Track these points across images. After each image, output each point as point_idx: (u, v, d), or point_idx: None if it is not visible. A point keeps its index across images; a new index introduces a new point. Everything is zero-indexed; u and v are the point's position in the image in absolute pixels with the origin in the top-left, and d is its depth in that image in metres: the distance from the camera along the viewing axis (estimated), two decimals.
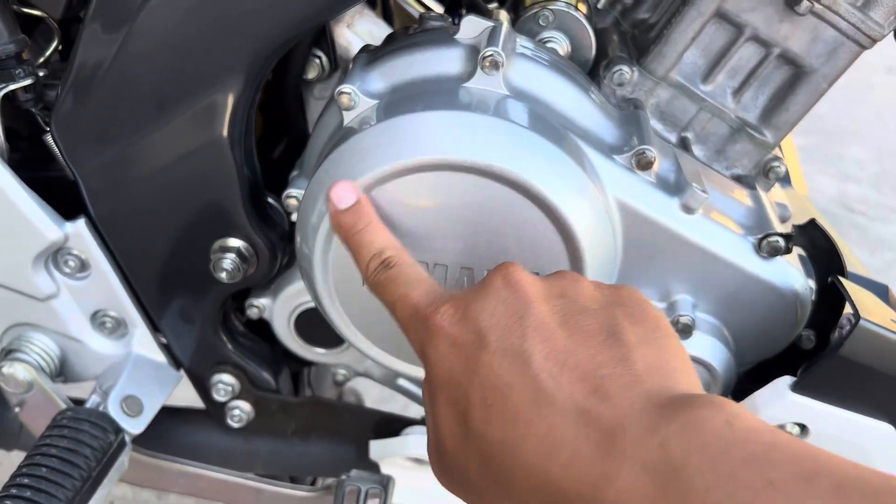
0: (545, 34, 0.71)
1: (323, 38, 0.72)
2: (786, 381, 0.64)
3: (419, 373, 0.67)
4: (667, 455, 0.35)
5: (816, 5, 0.65)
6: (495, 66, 0.59)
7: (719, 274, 0.65)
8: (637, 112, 0.68)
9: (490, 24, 0.63)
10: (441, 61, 0.62)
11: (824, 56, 0.68)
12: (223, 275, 0.69)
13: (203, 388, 0.80)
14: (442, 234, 0.59)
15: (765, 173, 0.74)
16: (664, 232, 0.63)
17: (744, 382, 0.72)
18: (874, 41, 0.67)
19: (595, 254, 0.60)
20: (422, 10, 0.94)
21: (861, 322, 0.60)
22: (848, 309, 0.65)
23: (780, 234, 0.65)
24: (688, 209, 0.63)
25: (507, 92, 0.61)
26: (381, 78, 0.64)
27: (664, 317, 0.45)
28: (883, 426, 0.66)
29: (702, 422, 0.35)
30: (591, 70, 0.74)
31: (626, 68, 0.70)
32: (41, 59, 0.69)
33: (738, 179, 0.73)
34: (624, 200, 0.62)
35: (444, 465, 0.46)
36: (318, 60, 0.73)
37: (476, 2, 0.82)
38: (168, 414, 0.83)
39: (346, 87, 0.62)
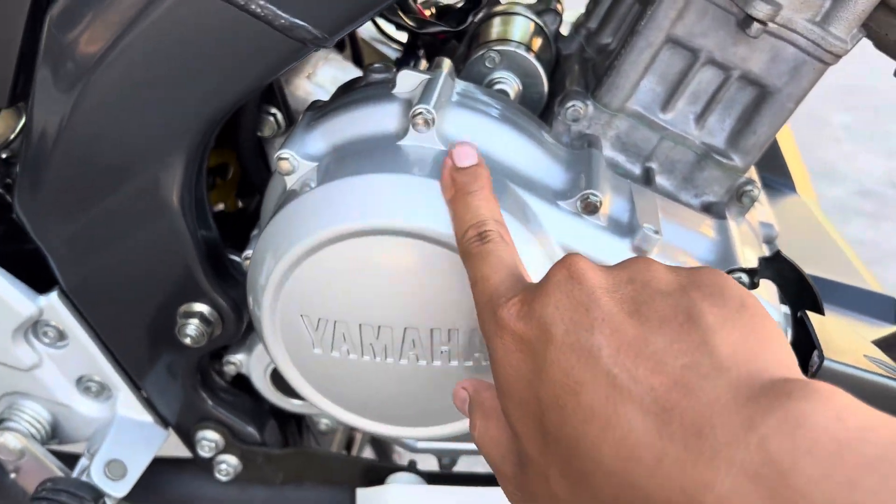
0: (494, 75, 0.70)
1: (273, 94, 0.72)
2: None
3: (380, 430, 0.67)
4: (770, 458, 0.30)
5: (771, 25, 0.62)
6: (426, 122, 0.58)
7: None
8: (589, 151, 0.65)
9: (425, 76, 0.62)
10: (378, 118, 0.61)
11: (787, 75, 0.65)
12: (187, 340, 0.69)
13: (191, 443, 0.81)
14: (389, 297, 0.58)
15: (738, 198, 0.71)
16: None
17: None
18: (838, 57, 0.63)
19: None
20: (396, 46, 0.94)
21: (825, 363, 0.56)
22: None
23: (744, 270, 0.62)
24: (640, 251, 0.61)
25: (444, 147, 0.59)
26: (322, 138, 0.63)
27: (752, 295, 0.39)
28: None
29: (807, 416, 0.31)
30: (549, 104, 0.72)
31: (579, 103, 0.68)
32: (3, 141, 0.71)
33: (709, 208, 0.70)
34: (571, 248, 0.60)
35: (526, 475, 0.42)
36: (271, 118, 0.73)
37: (433, 41, 0.81)
38: (164, 465, 0.85)
39: (283, 153, 0.61)
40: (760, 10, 0.60)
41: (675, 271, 0.41)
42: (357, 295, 0.59)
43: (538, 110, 0.72)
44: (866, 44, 0.65)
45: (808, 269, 0.90)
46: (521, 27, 0.74)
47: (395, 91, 0.63)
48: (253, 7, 0.55)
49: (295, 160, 0.61)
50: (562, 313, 0.40)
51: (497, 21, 0.75)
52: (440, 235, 0.55)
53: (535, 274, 0.57)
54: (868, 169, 2.59)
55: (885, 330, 0.82)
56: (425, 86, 0.61)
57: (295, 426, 0.88)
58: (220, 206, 0.91)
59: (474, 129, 0.61)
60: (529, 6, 0.77)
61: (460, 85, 0.65)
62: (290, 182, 0.63)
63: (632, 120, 0.69)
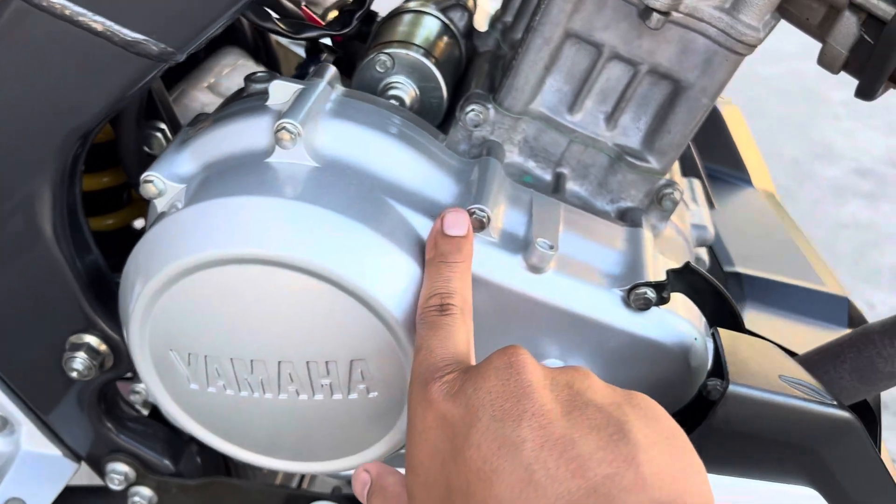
0: (388, 80, 0.65)
1: (157, 109, 0.67)
2: None
3: (275, 466, 0.62)
4: None
5: (676, 14, 0.57)
6: (291, 137, 0.53)
7: (586, 334, 0.58)
8: (485, 160, 0.60)
9: (299, 86, 0.57)
10: (249, 134, 0.57)
11: (698, 68, 0.60)
12: (74, 374, 0.66)
13: (103, 476, 0.77)
14: (257, 330, 0.54)
15: (658, 202, 0.66)
16: (511, 295, 0.56)
17: None
18: (751, 46, 0.58)
19: None
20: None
21: (731, 388, 0.51)
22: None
23: (651, 284, 0.57)
24: (534, 268, 0.56)
25: (316, 163, 0.55)
26: (193, 157, 0.59)
27: (682, 431, 0.40)
28: (804, 492, 0.57)
29: None
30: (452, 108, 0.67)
31: (478, 107, 0.63)
32: None
33: (624, 214, 0.65)
34: None
35: None
36: (158, 134, 0.68)
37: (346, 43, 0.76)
38: (81, 495, 0.82)
39: (147, 174, 0.57)
40: (658, 0, 0.54)
41: (613, 388, 0.41)
42: (224, 327, 0.54)
43: (439, 116, 0.67)
44: None
45: (759, 268, 0.85)
46: (423, 26, 0.69)
47: (268, 103, 0.58)
48: (91, 24, 0.50)
49: (161, 182, 0.57)
50: (493, 398, 0.39)
51: (398, 20, 0.70)
52: (304, 263, 0.51)
53: (414, 298, 0.53)
54: (867, 147, 2.51)
55: (837, 334, 0.76)
56: (296, 97, 0.56)
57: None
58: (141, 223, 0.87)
59: (349, 141, 0.56)
60: (437, 2, 0.72)
61: (341, 93, 0.60)
62: (160, 205, 0.58)
63: (538, 123, 0.64)
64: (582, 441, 0.36)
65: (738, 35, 0.57)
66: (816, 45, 0.58)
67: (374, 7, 0.79)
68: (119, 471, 0.75)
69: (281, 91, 0.58)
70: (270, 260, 0.51)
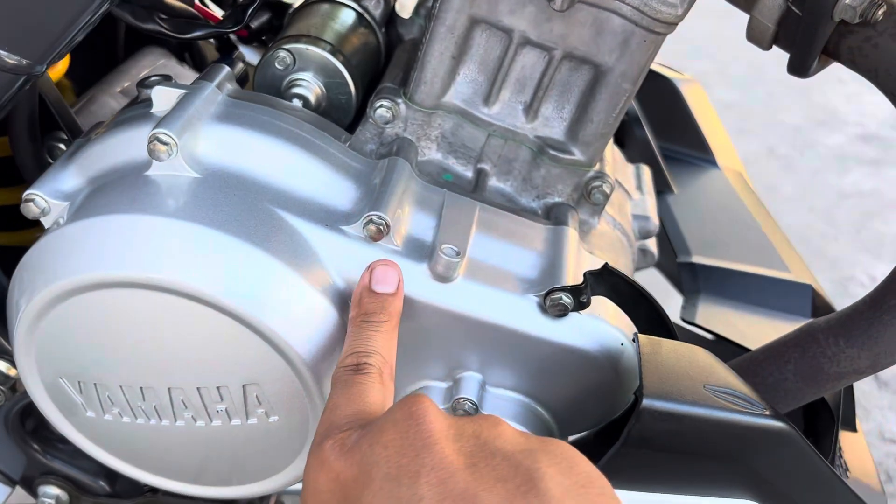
0: (291, 77, 0.61)
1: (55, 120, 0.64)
2: None
3: (164, 484, 0.59)
4: None
5: None
6: (166, 149, 0.50)
7: (504, 344, 0.54)
8: (392, 161, 0.56)
9: (182, 91, 0.54)
10: (131, 145, 0.53)
11: (616, 51, 0.55)
12: None
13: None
14: (141, 356, 0.51)
15: (587, 196, 0.61)
16: (419, 307, 0.52)
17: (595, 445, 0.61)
18: (670, 24, 0.53)
19: (326, 355, 0.50)
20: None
21: (644, 403, 0.47)
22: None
23: (567, 289, 0.52)
24: (441, 277, 0.52)
25: (196, 174, 0.51)
26: (78, 171, 0.55)
27: (602, 476, 0.37)
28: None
29: None
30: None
31: (388, 103, 0.59)
32: None
33: (551, 211, 0.61)
34: (355, 279, 0.51)
35: None
36: (62, 145, 0.65)
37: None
38: None
39: (28, 193, 0.53)
40: None
41: (526, 436, 0.38)
42: (108, 353, 0.51)
43: (349, 114, 0.63)
44: None
45: (718, 256, 0.80)
46: (332, 17, 0.65)
47: (153, 110, 0.54)
48: None
49: (42, 200, 0.53)
50: (389, 454, 0.36)
51: (307, 12, 0.65)
52: (173, 285, 0.47)
53: (305, 322, 0.50)
54: (872, 111, 2.42)
55: (800, 324, 0.71)
56: (177, 103, 0.53)
57: None
58: None
59: (233, 147, 0.52)
60: None
61: (230, 95, 0.56)
62: (46, 223, 0.55)
63: (454, 117, 0.60)
64: (486, 495, 0.33)
65: (653, 13, 0.52)
66: None
67: None
68: (50, 494, 0.73)
69: (164, 97, 0.54)
70: (140, 283, 0.48)
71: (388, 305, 0.49)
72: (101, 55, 0.82)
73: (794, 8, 0.51)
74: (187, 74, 0.79)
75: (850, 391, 0.68)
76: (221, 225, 0.49)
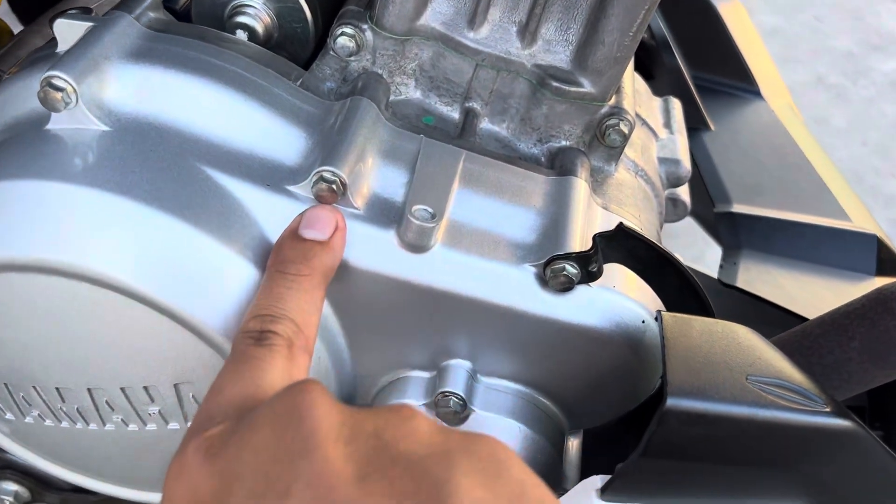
0: (237, 2, 0.50)
1: None
2: (593, 483, 0.42)
3: (110, 490, 0.52)
4: None
5: None
6: (63, 96, 0.40)
7: (494, 325, 0.44)
8: (353, 101, 0.46)
9: (89, 24, 0.43)
10: (32, 92, 0.43)
11: None
12: None
13: None
14: (53, 352, 0.42)
15: (601, 137, 0.50)
16: (384, 281, 0.42)
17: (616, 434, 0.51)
18: None
19: None
20: None
21: (669, 403, 0.37)
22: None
23: (572, 256, 0.42)
24: (413, 245, 0.42)
25: (105, 126, 0.41)
26: None
27: (542, 486, 0.29)
28: None
29: None
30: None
31: (351, 30, 0.48)
32: None
33: (556, 157, 0.50)
34: None
35: None
36: None
37: None
38: None
39: None
40: None
41: (446, 432, 0.30)
42: (14, 349, 0.42)
43: (307, 46, 0.52)
44: None
45: (763, 204, 0.68)
46: None
47: (58, 49, 0.44)
48: None
49: None
50: (258, 462, 0.28)
51: None
52: (71, 267, 0.38)
53: (240, 299, 0.40)
54: None
55: (864, 286, 0.60)
56: (79, 39, 0.42)
57: None
58: None
59: (152, 92, 0.42)
60: None
61: (150, 27, 0.45)
62: None
63: (433, 45, 0.49)
64: None
65: None
66: None
67: None
68: (7, 490, 0.66)
69: (68, 31, 0.44)
70: (35, 266, 0.38)
71: (313, 256, 0.39)
72: None
73: None
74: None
75: None
76: (131, 191, 0.39)
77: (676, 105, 0.64)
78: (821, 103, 2.02)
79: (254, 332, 0.35)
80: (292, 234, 0.40)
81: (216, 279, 0.39)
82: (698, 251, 1.35)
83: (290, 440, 0.28)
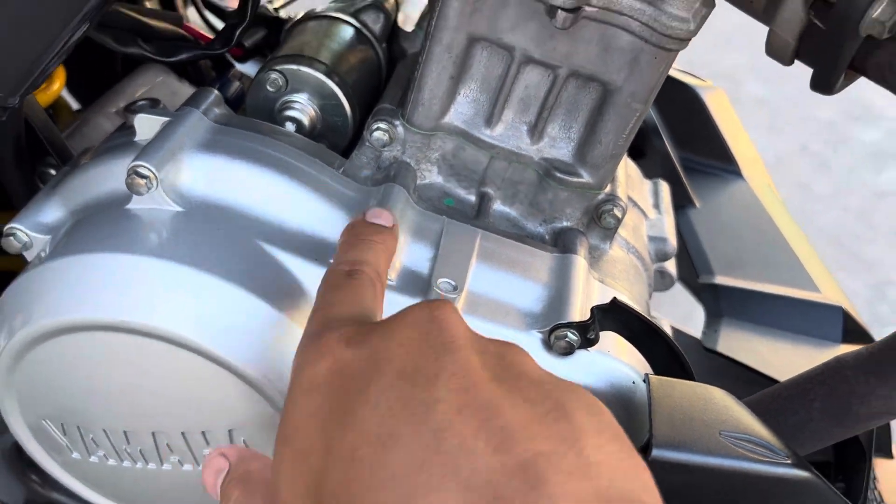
0: (284, 99, 0.58)
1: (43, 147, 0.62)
2: None
3: None
4: None
5: (589, 9, 0.48)
6: (145, 182, 0.47)
7: None
8: (388, 187, 0.53)
9: (165, 119, 0.51)
10: (112, 176, 0.51)
11: (625, 69, 0.51)
12: None
13: None
14: (124, 399, 0.49)
15: (598, 220, 0.58)
16: None
17: None
18: (682, 41, 0.49)
19: None
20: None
21: (654, 454, 0.44)
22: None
23: (572, 325, 0.49)
24: None
25: (179, 207, 0.49)
26: (61, 203, 0.53)
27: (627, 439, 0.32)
28: None
29: None
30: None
31: (385, 125, 0.56)
32: None
33: (559, 237, 0.57)
34: None
35: None
36: (52, 170, 0.63)
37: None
38: None
39: (10, 227, 0.52)
40: None
41: (552, 374, 0.33)
42: (91, 396, 0.49)
43: (345, 136, 0.60)
44: None
45: (742, 276, 0.76)
46: (328, 34, 0.62)
47: (137, 139, 0.52)
48: None
49: (23, 234, 0.52)
50: (406, 350, 0.31)
51: (302, 29, 0.63)
52: (152, 329, 0.45)
53: (289, 357, 0.47)
54: None
55: (830, 352, 0.67)
56: (158, 132, 0.50)
57: None
58: None
59: (218, 178, 0.50)
60: (347, 5, 0.65)
61: (217, 121, 0.53)
62: (29, 256, 0.53)
63: (455, 138, 0.57)
64: (512, 412, 0.28)
65: (664, 29, 0.48)
66: None
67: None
68: None
69: (147, 125, 0.51)
70: (117, 326, 0.45)
71: (385, 232, 0.46)
72: (100, 69, 0.80)
73: (817, 22, 0.47)
74: (187, 91, 0.76)
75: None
76: (200, 263, 0.46)
77: (664, 188, 0.72)
78: (804, 170, 2.12)
79: (344, 268, 0.41)
80: (360, 220, 0.47)
81: (269, 338, 0.46)
82: (691, 307, 1.42)
83: (433, 340, 0.31)
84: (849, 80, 0.50)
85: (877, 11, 0.44)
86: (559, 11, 0.47)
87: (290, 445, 0.31)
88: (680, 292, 0.99)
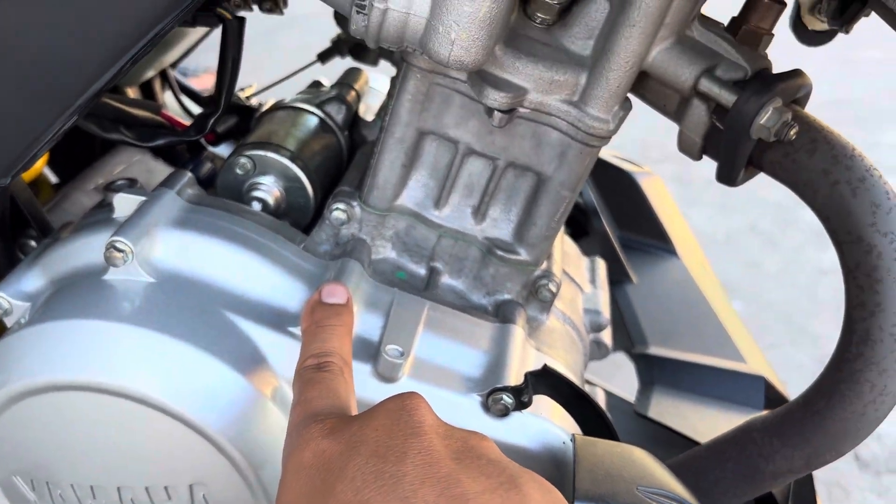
0: (251, 181, 0.64)
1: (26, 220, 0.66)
2: None
3: None
4: None
5: (523, 109, 0.55)
6: (122, 255, 0.52)
7: None
8: (343, 262, 0.59)
9: (142, 198, 0.57)
10: (90, 249, 0.56)
11: (555, 161, 0.58)
12: None
13: None
14: (90, 455, 0.52)
15: (535, 294, 0.64)
16: (362, 406, 0.54)
17: None
18: (603, 138, 0.56)
19: (271, 457, 0.52)
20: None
21: None
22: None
23: (508, 389, 0.54)
24: (385, 377, 0.54)
25: (151, 278, 0.53)
26: (42, 272, 0.58)
27: None
28: None
29: None
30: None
31: (344, 206, 0.62)
32: None
33: (500, 308, 0.63)
34: None
35: None
36: (33, 242, 0.67)
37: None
38: None
39: None
40: (495, 100, 0.53)
41: (510, 459, 0.39)
42: (59, 453, 0.53)
43: (307, 215, 0.66)
44: None
45: (674, 347, 0.82)
46: (294, 123, 0.68)
47: (115, 216, 0.57)
48: None
49: (5, 301, 0.56)
50: (379, 434, 0.37)
51: (271, 118, 0.69)
52: (122, 389, 0.49)
53: (251, 425, 0.51)
54: None
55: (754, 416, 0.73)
56: (136, 210, 0.55)
57: None
58: None
59: (187, 253, 0.55)
60: (312, 97, 0.71)
61: (190, 200, 0.59)
62: (9, 322, 0.57)
63: (407, 218, 0.63)
64: (469, 482, 0.34)
65: (587, 128, 0.55)
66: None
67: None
68: None
69: (125, 203, 0.57)
70: (88, 386, 0.49)
71: (341, 313, 0.50)
72: (80, 147, 0.85)
73: (718, 124, 0.54)
74: (161, 169, 0.82)
75: (809, 478, 0.68)
76: (170, 329, 0.51)
77: (601, 264, 0.78)
78: (755, 248, 2.22)
79: (313, 366, 0.45)
80: (316, 302, 0.51)
81: (231, 400, 0.51)
82: None
83: (403, 425, 0.37)
84: (749, 175, 0.58)
85: (763, 119, 0.51)
86: (495, 112, 0.54)
87: None
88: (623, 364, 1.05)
